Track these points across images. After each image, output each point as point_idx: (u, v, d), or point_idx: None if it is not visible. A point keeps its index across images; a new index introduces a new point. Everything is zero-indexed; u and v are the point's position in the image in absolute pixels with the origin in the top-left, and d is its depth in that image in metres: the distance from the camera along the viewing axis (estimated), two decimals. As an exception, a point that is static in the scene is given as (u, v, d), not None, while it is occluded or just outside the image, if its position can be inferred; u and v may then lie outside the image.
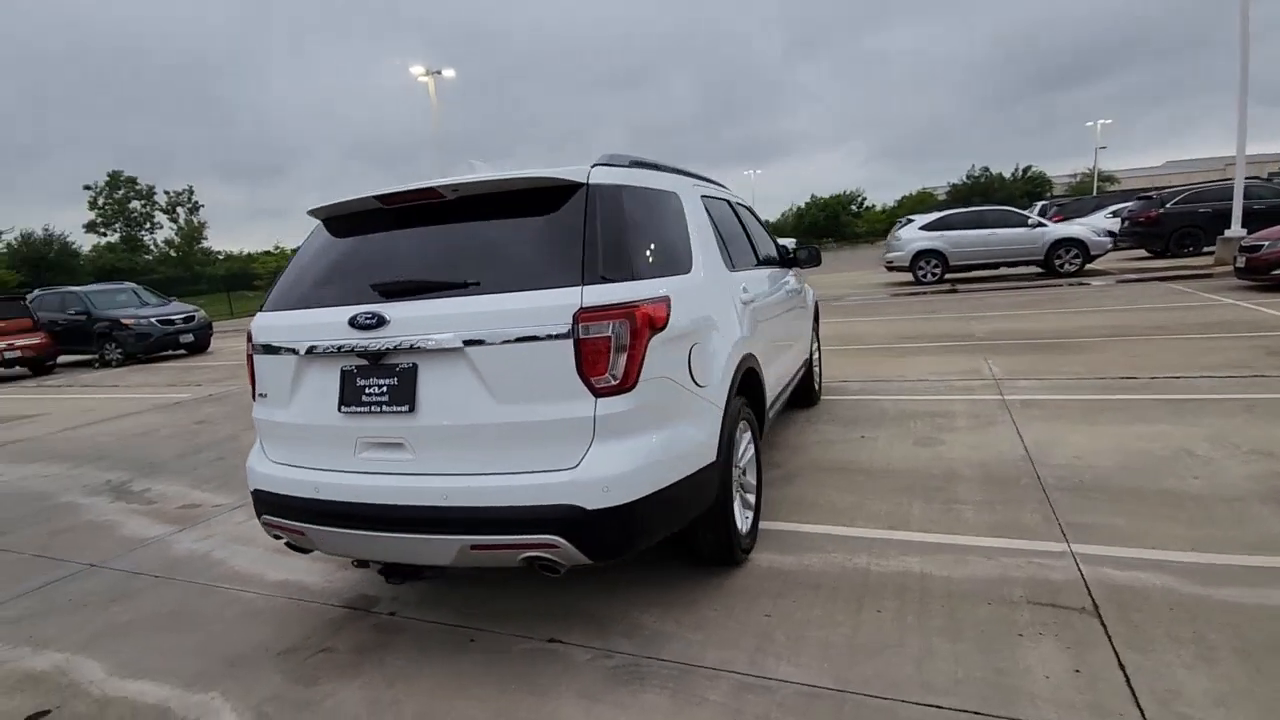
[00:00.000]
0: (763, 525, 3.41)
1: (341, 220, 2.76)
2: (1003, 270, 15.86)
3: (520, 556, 2.24)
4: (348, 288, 2.48)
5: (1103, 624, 2.38)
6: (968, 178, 57.93)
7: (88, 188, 54.19)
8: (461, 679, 2.41)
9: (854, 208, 63.13)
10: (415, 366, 2.33)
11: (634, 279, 2.35)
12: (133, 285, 16.73)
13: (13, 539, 4.23)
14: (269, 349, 2.60)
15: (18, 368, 13.61)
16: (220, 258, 59.50)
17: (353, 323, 2.34)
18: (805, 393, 5.50)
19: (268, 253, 59.26)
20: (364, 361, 2.39)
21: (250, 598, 3.18)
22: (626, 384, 2.23)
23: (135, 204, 56.05)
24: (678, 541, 2.84)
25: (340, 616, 2.93)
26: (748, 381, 3.18)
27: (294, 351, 2.51)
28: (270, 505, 2.58)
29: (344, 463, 2.43)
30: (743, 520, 3.09)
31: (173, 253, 56.84)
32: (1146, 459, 3.86)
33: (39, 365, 13.80)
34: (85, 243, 52.13)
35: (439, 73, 21.46)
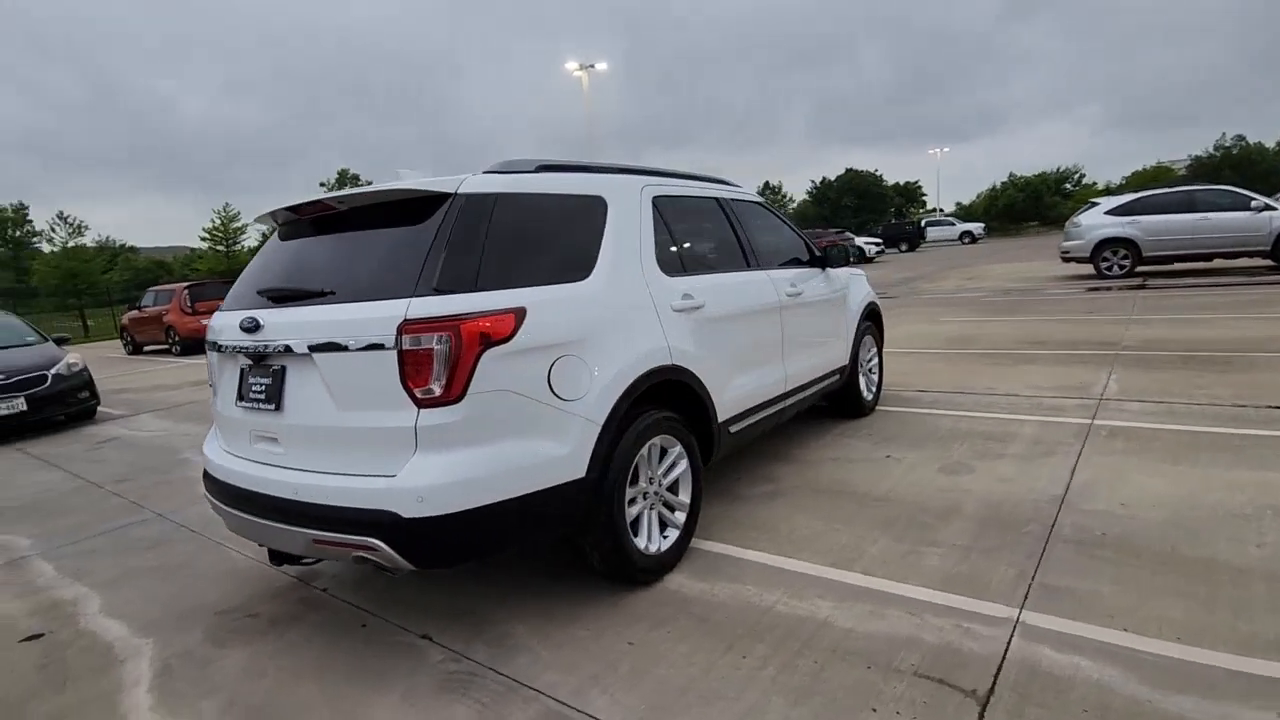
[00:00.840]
0: (705, 546, 3.23)
1: (279, 226, 3.02)
2: (1218, 263, 13.20)
3: (352, 555, 2.35)
4: (253, 292, 2.73)
5: (981, 716, 1.97)
6: (1216, 149, 48.61)
7: (323, 184, 63.32)
8: (328, 661, 2.58)
9: (1067, 186, 55.56)
10: (284, 369, 2.52)
11: (476, 290, 2.33)
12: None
13: (129, 485, 5.19)
14: (211, 345, 2.94)
15: None
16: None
17: (240, 325, 2.58)
18: (848, 403, 5.05)
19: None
20: (250, 361, 2.63)
21: (237, 558, 3.64)
22: (450, 396, 2.24)
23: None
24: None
25: (284, 586, 3.26)
26: (671, 394, 3.02)
27: (216, 348, 2.82)
28: (207, 483, 2.93)
29: (245, 451, 2.70)
30: (655, 540, 2.95)
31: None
32: (1213, 515, 3.07)
33: None
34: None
35: (592, 66, 22.21)
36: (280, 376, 2.52)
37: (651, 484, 2.97)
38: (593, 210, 2.93)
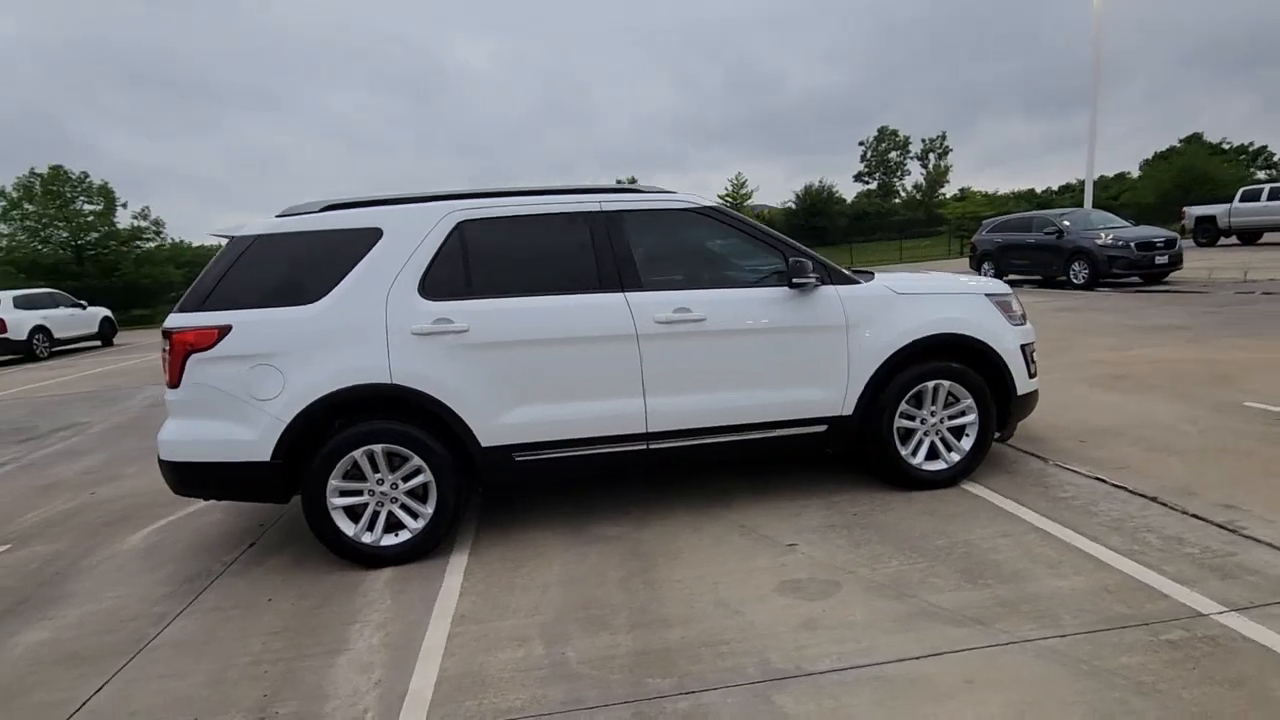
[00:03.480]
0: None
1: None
2: None
3: None
4: None
5: None
6: None
7: (861, 143, 65.32)
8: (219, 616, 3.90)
9: None
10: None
11: (201, 310, 3.23)
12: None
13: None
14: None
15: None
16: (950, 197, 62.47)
17: None
18: (877, 465, 3.81)
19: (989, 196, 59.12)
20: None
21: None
22: (172, 383, 3.25)
23: (893, 154, 64.37)
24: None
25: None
26: (405, 409, 3.31)
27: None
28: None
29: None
30: (374, 533, 3.36)
31: (918, 196, 63.17)
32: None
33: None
34: (850, 192, 63.56)
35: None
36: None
37: (383, 485, 3.35)
38: (357, 242, 3.37)
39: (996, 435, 3.95)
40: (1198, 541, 3.00)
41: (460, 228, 3.45)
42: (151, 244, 33.61)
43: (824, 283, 3.64)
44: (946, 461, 3.84)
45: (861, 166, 65.64)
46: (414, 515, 3.40)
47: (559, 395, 3.43)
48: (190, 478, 3.35)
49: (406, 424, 3.32)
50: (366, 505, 3.36)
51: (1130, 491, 3.59)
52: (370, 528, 3.37)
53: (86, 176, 31.24)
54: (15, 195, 29.86)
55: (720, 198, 50.49)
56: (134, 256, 31.91)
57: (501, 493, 4.22)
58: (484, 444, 3.37)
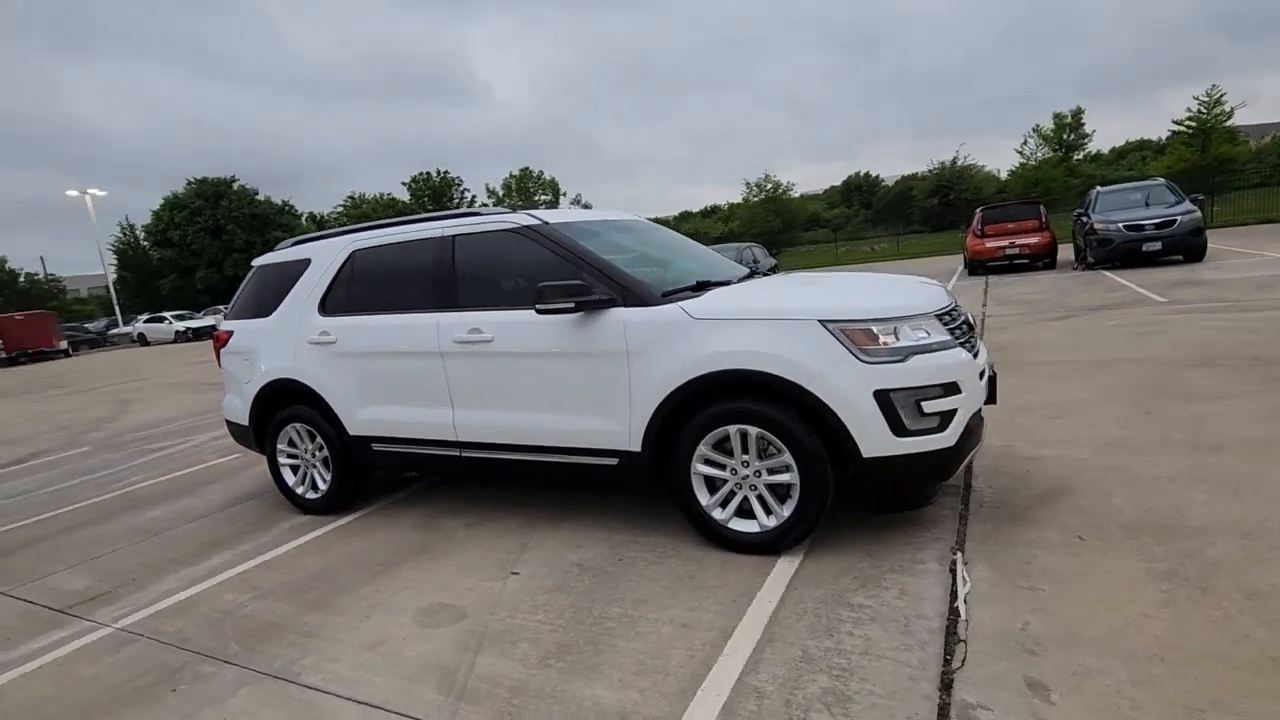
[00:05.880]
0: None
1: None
2: None
3: None
4: None
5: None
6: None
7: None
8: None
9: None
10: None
11: (227, 319, 4.76)
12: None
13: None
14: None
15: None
16: None
17: None
18: (690, 520, 3.39)
19: None
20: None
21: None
22: (220, 362, 4.88)
23: None
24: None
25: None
26: (296, 397, 4.32)
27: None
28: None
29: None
30: (304, 486, 4.51)
31: None
32: None
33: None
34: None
35: None
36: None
37: (306, 453, 4.46)
38: (298, 270, 4.43)
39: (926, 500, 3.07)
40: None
41: (352, 256, 4.24)
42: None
43: (615, 305, 3.34)
44: (760, 524, 3.15)
45: None
46: (324, 480, 4.43)
47: (394, 399, 4.00)
48: (233, 432, 4.99)
49: (311, 410, 4.33)
50: (299, 466, 4.53)
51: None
52: (304, 482, 4.53)
53: (542, 174, 40.63)
54: (500, 192, 40.64)
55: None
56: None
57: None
58: (351, 433, 4.17)
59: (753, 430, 3.06)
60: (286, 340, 4.39)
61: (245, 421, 4.66)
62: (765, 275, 4.41)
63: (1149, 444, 3.95)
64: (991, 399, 3.41)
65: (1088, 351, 6.57)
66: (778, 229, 35.88)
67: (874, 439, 2.88)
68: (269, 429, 4.53)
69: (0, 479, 6.85)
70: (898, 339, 2.96)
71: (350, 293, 4.23)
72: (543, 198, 40.16)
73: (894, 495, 3.11)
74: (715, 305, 3.21)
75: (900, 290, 3.47)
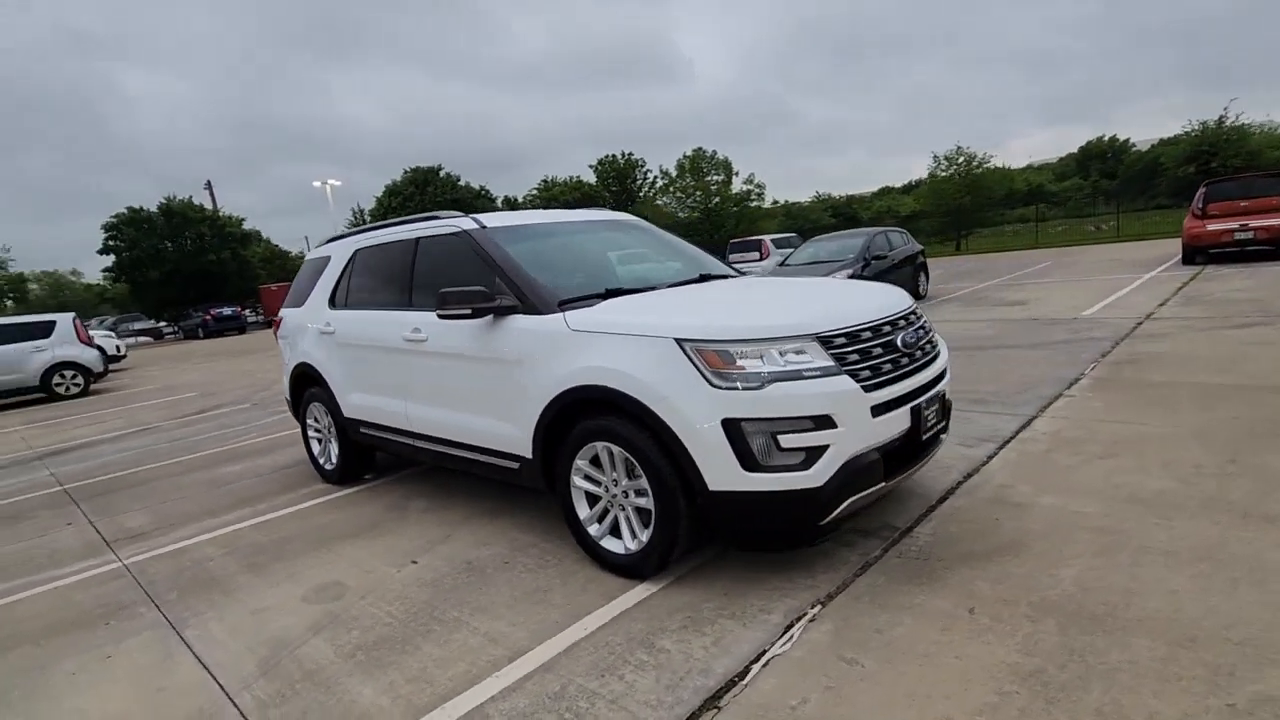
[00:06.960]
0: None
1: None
2: None
3: None
4: None
5: (103, 540, 4.31)
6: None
7: None
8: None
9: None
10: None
11: (284, 308, 5.47)
12: None
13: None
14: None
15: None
16: None
17: None
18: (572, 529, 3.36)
19: None
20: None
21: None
22: (278, 334, 5.63)
23: None
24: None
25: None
26: (304, 377, 4.88)
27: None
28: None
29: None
30: (326, 455, 5.10)
31: None
32: None
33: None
34: None
35: None
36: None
37: (321, 424, 5.04)
38: (322, 266, 4.96)
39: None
40: None
41: (355, 254, 4.67)
42: (754, 204, 41.11)
43: (516, 312, 3.35)
44: (624, 546, 3.03)
45: None
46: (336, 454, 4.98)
47: (370, 389, 4.36)
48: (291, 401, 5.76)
49: (322, 391, 4.87)
50: (321, 439, 5.12)
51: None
52: (324, 454, 5.11)
53: (715, 153, 40.28)
54: (673, 174, 41.05)
55: None
56: (737, 214, 39.73)
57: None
58: (345, 415, 4.63)
59: (617, 450, 2.94)
60: (309, 329, 4.97)
61: (288, 395, 5.37)
62: (769, 273, 4.12)
63: (1186, 504, 3.13)
64: (941, 427, 2.99)
65: (1239, 374, 5.22)
66: (968, 207, 32.05)
67: (720, 472, 2.63)
68: (301, 404, 5.17)
69: (181, 425, 8.53)
70: (763, 363, 2.65)
71: (349, 289, 4.67)
72: (716, 178, 39.96)
73: (750, 534, 2.80)
74: (595, 318, 3.09)
75: (815, 302, 3.09)
